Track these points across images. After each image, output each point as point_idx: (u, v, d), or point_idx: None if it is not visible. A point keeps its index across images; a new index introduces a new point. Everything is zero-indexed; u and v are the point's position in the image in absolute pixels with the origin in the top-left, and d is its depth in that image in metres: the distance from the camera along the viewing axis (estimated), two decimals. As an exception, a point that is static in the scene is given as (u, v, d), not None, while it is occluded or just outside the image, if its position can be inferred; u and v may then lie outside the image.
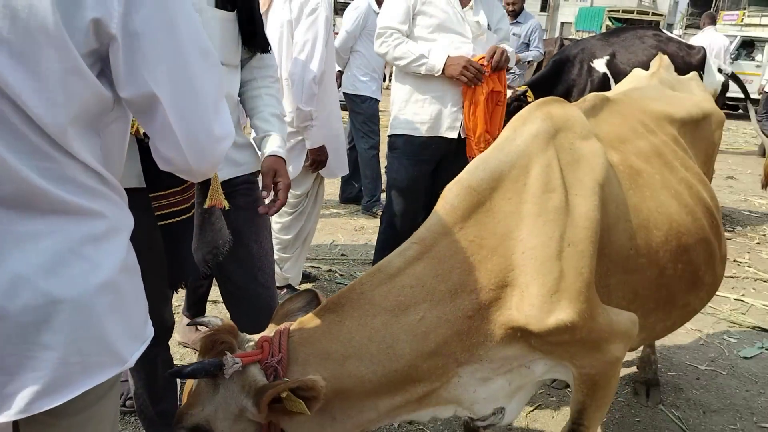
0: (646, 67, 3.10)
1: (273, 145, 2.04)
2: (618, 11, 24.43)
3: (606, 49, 5.22)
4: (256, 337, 1.57)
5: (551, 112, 1.74)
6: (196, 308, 3.11)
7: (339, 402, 1.57)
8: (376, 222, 5.42)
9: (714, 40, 9.22)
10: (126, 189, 1.22)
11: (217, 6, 1.88)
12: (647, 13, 25.11)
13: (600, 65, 5.15)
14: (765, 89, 10.47)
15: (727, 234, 5.85)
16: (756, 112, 7.18)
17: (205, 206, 1.77)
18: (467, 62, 3.06)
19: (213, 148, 1.19)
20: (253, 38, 1.99)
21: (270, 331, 1.58)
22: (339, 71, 5.77)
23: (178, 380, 2.31)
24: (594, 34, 16.68)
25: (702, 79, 5.45)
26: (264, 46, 2.04)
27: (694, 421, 2.89)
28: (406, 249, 1.65)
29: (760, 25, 16.45)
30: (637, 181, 1.87)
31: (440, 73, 3.11)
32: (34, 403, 1.07)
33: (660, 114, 2.15)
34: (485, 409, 1.80)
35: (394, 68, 3.55)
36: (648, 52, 5.25)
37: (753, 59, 15.35)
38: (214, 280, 2.58)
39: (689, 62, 5.35)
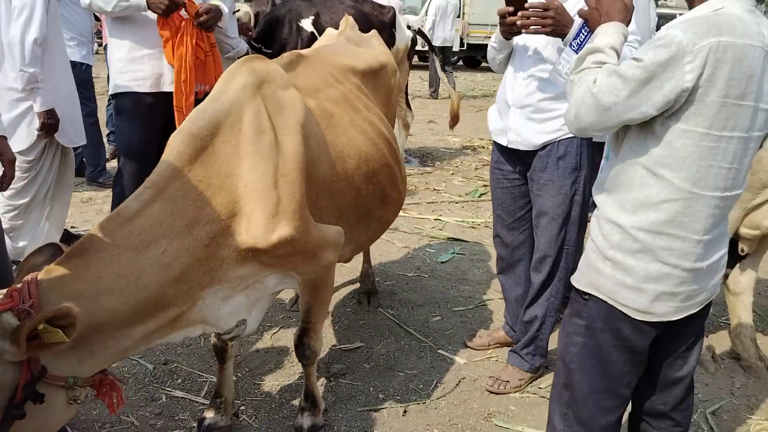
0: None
1: None
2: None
3: (311, 9, 5.68)
4: (5, 291, 1.66)
5: (255, 67, 2.07)
6: None
7: (95, 336, 1.75)
8: (105, 192, 5.31)
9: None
10: None
11: None
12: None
13: (307, 25, 5.60)
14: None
15: (427, 168, 6.93)
16: (440, 61, 8.37)
17: None
18: None
19: None
20: None
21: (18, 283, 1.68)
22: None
23: None
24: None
25: (395, 35, 6.28)
26: None
27: (405, 316, 3.59)
28: (140, 194, 1.86)
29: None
30: (331, 121, 2.31)
31: (146, 8, 3.20)
32: None
33: (345, 67, 2.63)
34: (229, 324, 2.12)
35: (105, 28, 3.55)
36: (348, 12, 5.85)
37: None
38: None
39: (383, 21, 6.09)
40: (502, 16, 2.47)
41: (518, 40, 2.64)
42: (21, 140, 3.30)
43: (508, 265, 3.08)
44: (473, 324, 3.53)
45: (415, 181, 6.47)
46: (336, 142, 2.29)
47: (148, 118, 3.38)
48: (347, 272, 4.05)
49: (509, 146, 2.73)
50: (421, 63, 15.17)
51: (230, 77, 2.04)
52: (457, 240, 4.83)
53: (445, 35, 12.18)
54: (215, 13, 3.35)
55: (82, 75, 5.32)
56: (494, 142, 2.88)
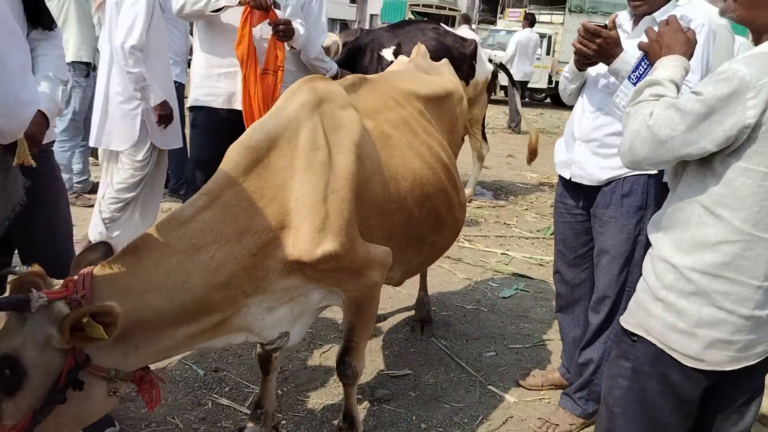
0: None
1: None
2: (419, 5, 26.10)
3: (393, 39, 5.80)
4: (62, 281, 1.76)
5: (315, 86, 2.13)
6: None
7: (141, 332, 1.82)
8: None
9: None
10: None
11: None
12: (444, 8, 27.12)
13: (388, 54, 5.71)
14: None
15: (500, 202, 6.84)
16: (520, 95, 8.34)
17: (14, 164, 1.90)
18: None
19: (21, 110, 1.40)
20: (37, 17, 2.14)
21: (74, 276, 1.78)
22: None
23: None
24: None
25: (475, 67, 6.30)
26: (48, 25, 2.19)
27: (459, 348, 3.52)
28: (196, 200, 1.94)
29: (540, 22, 18.42)
30: (387, 143, 2.34)
31: (237, 2, 3.34)
32: None
33: (409, 92, 2.65)
34: (272, 334, 2.15)
35: (194, 45, 3.76)
36: (429, 44, 5.89)
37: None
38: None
39: (463, 53, 6.14)
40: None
41: (591, 71, 2.59)
42: (124, 139, 3.62)
43: (567, 304, 2.97)
44: (529, 363, 3.42)
45: (485, 213, 6.40)
46: (390, 163, 2.31)
47: (219, 133, 3.53)
48: (403, 299, 4.04)
49: (572, 180, 2.66)
50: (505, 98, 15.10)
51: (291, 95, 2.10)
52: (522, 276, 4.72)
53: (525, 70, 12.18)
54: (290, 26, 3.48)
55: (176, 92, 5.65)
56: (559, 175, 2.81)
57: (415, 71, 2.99)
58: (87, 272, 1.77)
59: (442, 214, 2.58)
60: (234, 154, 1.99)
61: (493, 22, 22.37)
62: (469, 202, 6.73)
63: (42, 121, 2.08)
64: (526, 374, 3.21)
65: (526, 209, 6.80)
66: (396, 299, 4.06)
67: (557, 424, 2.80)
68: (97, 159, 5.56)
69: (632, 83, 2.05)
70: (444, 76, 3.12)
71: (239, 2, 3.37)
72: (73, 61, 5.12)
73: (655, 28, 1.86)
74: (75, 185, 5.47)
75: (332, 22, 32.79)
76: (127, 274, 1.80)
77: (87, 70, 5.24)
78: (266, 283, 2.02)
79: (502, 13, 22.43)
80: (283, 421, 2.70)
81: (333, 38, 10.71)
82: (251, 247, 1.95)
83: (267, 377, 2.50)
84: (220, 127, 3.56)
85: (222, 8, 3.38)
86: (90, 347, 1.71)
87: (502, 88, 13.44)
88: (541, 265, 5.00)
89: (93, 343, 1.67)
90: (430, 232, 2.55)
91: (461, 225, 2.85)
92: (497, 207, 6.75)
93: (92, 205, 5.38)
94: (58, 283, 1.77)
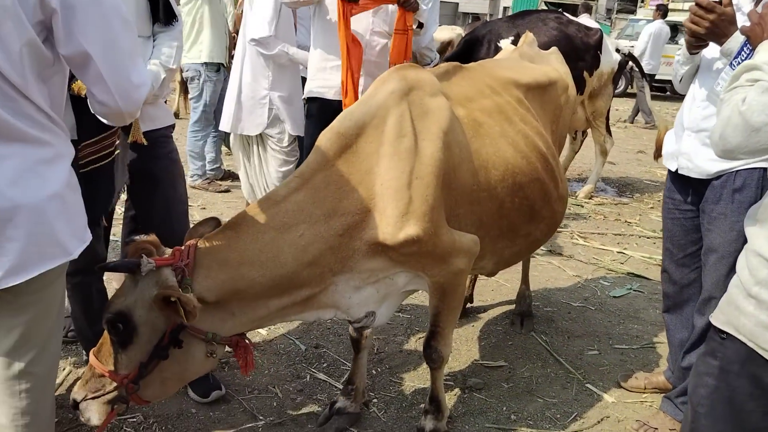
0: (547, 47, 3.58)
1: None
2: (553, -5, 25.27)
3: (511, 30, 5.70)
4: (171, 250, 1.97)
5: (406, 74, 2.19)
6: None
7: (237, 301, 1.99)
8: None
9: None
10: None
11: None
12: (581, -1, 26.01)
13: (506, 45, 5.63)
14: None
15: (624, 200, 6.54)
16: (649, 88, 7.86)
17: (128, 141, 2.15)
18: None
19: (134, 91, 1.59)
20: (157, 13, 2.40)
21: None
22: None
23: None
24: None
25: (600, 57, 6.05)
26: (168, 20, 2.43)
27: (559, 344, 3.44)
28: (289, 182, 2.08)
29: (683, 10, 17.32)
30: (479, 130, 2.35)
31: None
32: (1, 280, 1.46)
33: (507, 79, 2.63)
34: (359, 313, 2.25)
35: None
36: (550, 34, 5.77)
37: (676, 42, 16.28)
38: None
39: (587, 42, 5.90)
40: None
41: (705, 54, 2.44)
42: (255, 125, 4.11)
43: (674, 305, 2.82)
44: (633, 364, 3.28)
45: (605, 210, 6.14)
46: (481, 152, 2.32)
47: (331, 122, 3.69)
48: (506, 292, 4.00)
49: (679, 172, 2.52)
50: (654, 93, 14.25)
51: (381, 83, 2.18)
52: (637, 276, 4.50)
53: (654, 62, 11.45)
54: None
55: None
56: (668, 169, 2.67)
57: (518, 59, 2.96)
58: (192, 243, 1.97)
59: (537, 205, 2.54)
60: (325, 140, 2.11)
61: (633, 12, 21.20)
62: (590, 198, 6.48)
63: None
64: (628, 375, 3.08)
65: (651, 207, 6.44)
66: (498, 292, 4.03)
67: (656, 428, 2.67)
68: (228, 148, 6.01)
69: (732, 69, 1.91)
70: (550, 65, 3.06)
71: None
72: (205, 62, 5.58)
73: (759, 10, 1.73)
74: (208, 172, 5.94)
75: (464, 16, 32.58)
76: (225, 247, 1.98)
77: (218, 66, 5.68)
78: (352, 263, 2.12)
79: (642, 1, 21.19)
80: (375, 400, 2.80)
81: (457, 31, 10.74)
82: (338, 228, 2.06)
83: (358, 355, 2.62)
84: (332, 117, 3.71)
85: None
86: (191, 314, 1.89)
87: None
88: (659, 265, 4.72)
89: (179, 315, 1.83)
90: (523, 223, 2.53)
91: (560, 218, 2.79)
92: (620, 204, 6.44)
93: (224, 191, 5.84)
94: (169, 251, 1.98)
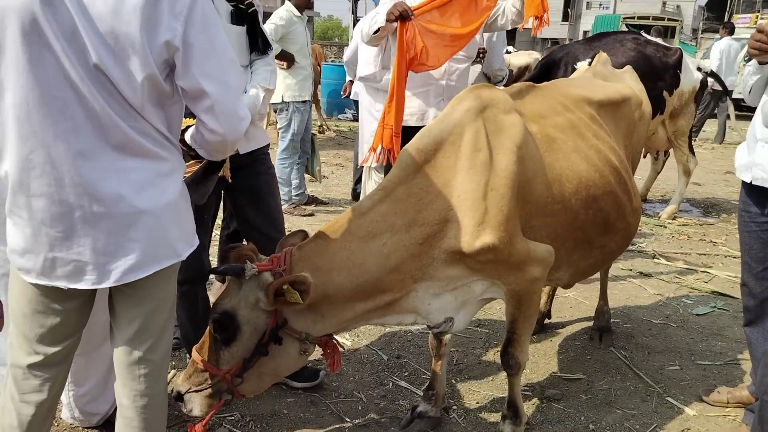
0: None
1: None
2: (633, 17, 24.81)
3: (588, 52, 5.76)
4: (269, 257, 2.20)
5: (480, 93, 2.35)
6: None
7: (326, 304, 2.19)
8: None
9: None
10: None
11: (231, 22, 2.61)
12: (663, 19, 25.43)
13: (583, 67, 5.69)
14: None
15: (710, 220, 6.38)
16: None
17: (220, 175, 2.41)
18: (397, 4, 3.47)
19: (239, 124, 1.82)
20: (255, 44, 2.69)
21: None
22: (350, 81, 6.47)
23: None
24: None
25: (680, 76, 6.00)
26: (263, 49, 2.72)
27: (639, 360, 3.44)
28: (374, 194, 2.27)
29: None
30: (552, 145, 2.46)
31: (384, 22, 3.48)
32: (125, 275, 1.72)
33: (579, 97, 2.74)
34: (438, 318, 2.39)
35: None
36: (627, 55, 5.79)
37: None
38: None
39: (665, 62, 5.88)
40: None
41: None
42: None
43: (755, 318, 2.80)
44: (716, 380, 3.23)
45: (690, 231, 6.01)
46: (554, 165, 2.43)
47: None
48: (585, 309, 4.03)
49: (754, 183, 2.54)
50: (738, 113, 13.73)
51: (458, 102, 2.35)
52: (722, 295, 4.41)
53: (730, 79, 11.05)
54: None
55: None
56: (742, 181, 2.69)
57: (592, 78, 3.06)
58: (287, 251, 2.18)
59: (611, 218, 2.62)
60: (405, 156, 2.29)
61: (718, 31, 20.49)
62: (673, 219, 6.36)
63: None
64: (711, 390, 3.05)
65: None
66: (577, 309, 4.06)
67: (740, 442, 2.65)
68: (311, 175, 6.35)
69: None
70: (625, 83, 3.14)
71: (386, 20, 3.50)
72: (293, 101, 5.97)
73: None
74: (293, 197, 6.27)
75: (543, 41, 32.43)
76: (317, 254, 2.18)
77: (305, 102, 6.06)
78: (431, 270, 2.27)
79: (729, 19, 20.47)
80: (455, 407, 2.92)
81: (534, 56, 10.83)
82: (418, 237, 2.22)
83: (438, 361, 2.75)
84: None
85: (377, 30, 3.57)
86: (287, 312, 2.11)
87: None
88: (748, 285, 4.60)
89: (290, 307, 2.06)
90: (598, 236, 2.61)
91: (634, 230, 2.85)
92: (705, 225, 6.28)
93: (309, 215, 6.15)
94: (267, 258, 2.20)
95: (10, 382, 1.84)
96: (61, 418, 2.62)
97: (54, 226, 1.65)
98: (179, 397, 2.14)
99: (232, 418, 2.78)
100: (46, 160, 1.61)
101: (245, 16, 2.64)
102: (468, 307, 2.46)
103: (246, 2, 2.63)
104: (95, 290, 1.78)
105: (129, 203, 1.68)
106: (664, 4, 32.93)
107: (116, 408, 2.10)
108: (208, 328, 2.15)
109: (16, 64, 1.56)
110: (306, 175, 6.56)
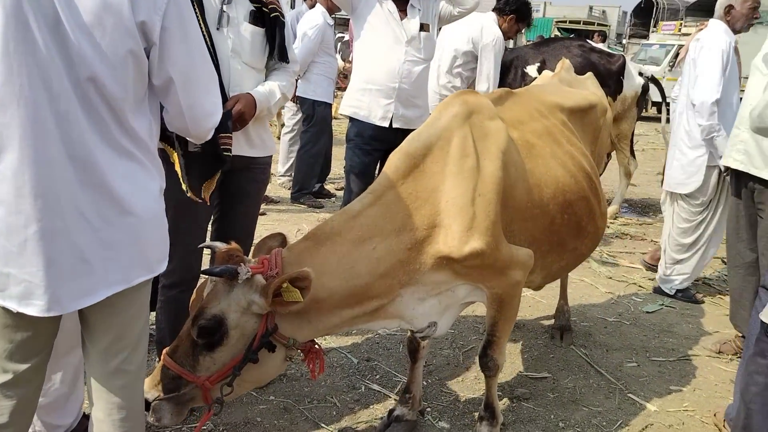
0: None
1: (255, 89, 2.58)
2: (565, 21, 25.66)
3: (537, 56, 5.93)
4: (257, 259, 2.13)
5: (467, 99, 2.37)
6: None
7: (314, 309, 2.14)
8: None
9: None
10: None
11: (250, 22, 2.52)
12: (593, 24, 26.42)
13: (532, 71, 5.85)
14: None
15: (648, 220, 6.67)
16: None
17: (202, 196, 2.35)
18: None
19: (205, 118, 1.77)
20: (273, 50, 2.61)
21: (265, 254, 2.14)
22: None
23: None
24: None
25: (623, 82, 6.24)
26: (282, 57, 2.64)
27: (598, 357, 3.57)
28: (363, 197, 2.25)
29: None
30: (531, 151, 2.52)
31: None
32: (79, 300, 1.60)
33: (552, 103, 2.82)
34: (422, 323, 2.40)
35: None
36: (574, 61, 5.93)
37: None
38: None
39: (609, 69, 6.11)
40: None
41: None
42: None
43: None
44: (672, 376, 3.39)
45: (632, 231, 6.27)
46: (534, 171, 2.48)
47: (369, 147, 3.87)
48: (543, 308, 4.14)
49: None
50: (657, 114, 14.44)
51: (445, 107, 2.36)
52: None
53: None
54: None
55: (324, 112, 6.36)
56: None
57: (559, 84, 3.15)
58: (277, 252, 2.12)
59: (584, 222, 2.70)
60: (395, 160, 2.28)
61: (645, 36, 21.46)
62: (615, 219, 6.61)
63: (252, 103, 2.52)
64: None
65: (675, 228, 6.54)
66: (536, 308, 4.17)
67: None
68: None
69: None
70: (588, 89, 3.24)
71: None
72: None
73: None
74: None
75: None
76: (307, 257, 2.13)
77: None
78: (419, 275, 2.28)
79: (655, 26, 21.48)
80: (428, 409, 2.94)
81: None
82: (407, 242, 2.22)
83: (415, 365, 2.75)
84: (369, 141, 3.88)
85: None
86: (278, 316, 2.05)
87: (654, 104, 12.90)
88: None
89: (288, 307, 1.98)
90: (571, 239, 2.68)
91: (602, 233, 2.95)
92: (644, 224, 6.57)
93: (261, 213, 6.01)
94: (252, 260, 2.13)
95: None
96: None
97: (9, 239, 1.52)
98: (146, 405, 1.96)
99: (205, 428, 2.70)
100: (8, 165, 1.48)
101: (266, 19, 2.56)
102: (450, 311, 2.47)
103: (270, 6, 2.55)
104: None
105: (92, 219, 1.56)
106: (591, 9, 34.18)
107: (80, 420, 1.98)
108: (183, 330, 2.05)
109: None
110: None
